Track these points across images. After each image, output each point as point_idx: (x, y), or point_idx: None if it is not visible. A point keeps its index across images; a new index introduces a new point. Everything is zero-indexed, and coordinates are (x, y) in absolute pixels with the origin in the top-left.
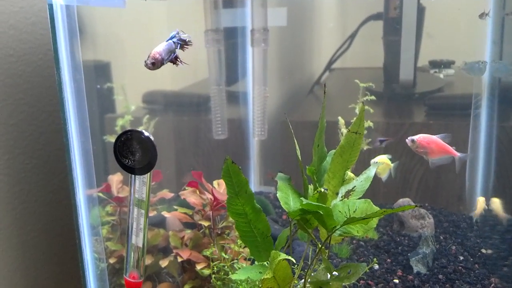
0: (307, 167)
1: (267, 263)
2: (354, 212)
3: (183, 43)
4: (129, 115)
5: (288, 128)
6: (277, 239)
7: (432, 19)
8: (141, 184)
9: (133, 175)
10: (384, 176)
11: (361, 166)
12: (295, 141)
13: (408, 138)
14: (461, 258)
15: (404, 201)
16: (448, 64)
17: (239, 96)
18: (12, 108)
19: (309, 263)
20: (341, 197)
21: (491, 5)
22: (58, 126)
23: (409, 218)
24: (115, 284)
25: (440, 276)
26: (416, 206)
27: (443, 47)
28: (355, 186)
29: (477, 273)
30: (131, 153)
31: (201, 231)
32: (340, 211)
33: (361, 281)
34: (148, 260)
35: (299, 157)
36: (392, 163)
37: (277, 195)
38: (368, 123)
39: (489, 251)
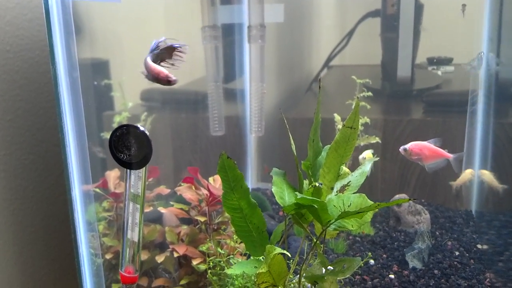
0: (302, 162)
1: (262, 258)
2: (348, 206)
3: (171, 51)
4: (126, 112)
5: (284, 123)
6: (273, 233)
7: (430, 16)
8: (136, 179)
9: (128, 170)
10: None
11: (358, 162)
12: (290, 135)
13: (401, 147)
14: (457, 253)
15: (400, 196)
16: (446, 61)
17: (236, 93)
18: (9, 104)
19: (305, 258)
20: (336, 192)
21: (487, 2)
22: (55, 122)
23: (405, 214)
24: (111, 279)
25: (436, 271)
26: (410, 199)
27: (441, 44)
28: (350, 181)
29: (472, 268)
30: (126, 147)
31: (197, 226)
32: (335, 206)
33: (357, 276)
34: (145, 256)
35: (294, 152)
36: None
37: (272, 189)
38: (365, 119)
39: (485, 247)
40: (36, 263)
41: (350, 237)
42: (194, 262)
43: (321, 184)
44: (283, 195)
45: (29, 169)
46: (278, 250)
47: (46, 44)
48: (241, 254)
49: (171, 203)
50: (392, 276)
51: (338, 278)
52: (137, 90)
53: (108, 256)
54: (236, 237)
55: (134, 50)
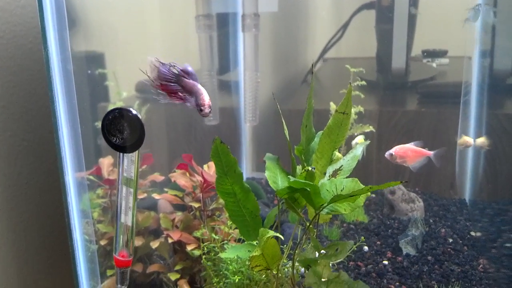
0: (295, 146)
1: (256, 242)
2: (341, 190)
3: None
4: (120, 101)
5: (277, 108)
6: (266, 218)
7: (424, 8)
8: (129, 163)
9: (121, 154)
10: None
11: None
12: (283, 121)
13: (386, 153)
14: (451, 240)
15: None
16: (441, 53)
17: (231, 85)
18: (2, 90)
19: (298, 242)
20: (329, 176)
21: None
22: (49, 110)
23: (399, 202)
24: (106, 266)
25: (429, 258)
26: (401, 182)
27: (435, 37)
28: (342, 165)
29: (466, 255)
30: (119, 131)
31: (191, 213)
32: (327, 190)
33: (351, 262)
34: (139, 242)
35: (287, 136)
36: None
37: (266, 174)
38: (359, 108)
39: (478, 234)
40: (30, 250)
41: (344, 225)
42: (189, 248)
43: (314, 169)
44: (276, 179)
45: (23, 156)
46: (271, 233)
47: (39, 31)
48: (235, 240)
49: (166, 190)
50: (385, 262)
51: (331, 262)
52: (131, 82)
53: (102, 243)
54: (230, 222)
55: (128, 41)
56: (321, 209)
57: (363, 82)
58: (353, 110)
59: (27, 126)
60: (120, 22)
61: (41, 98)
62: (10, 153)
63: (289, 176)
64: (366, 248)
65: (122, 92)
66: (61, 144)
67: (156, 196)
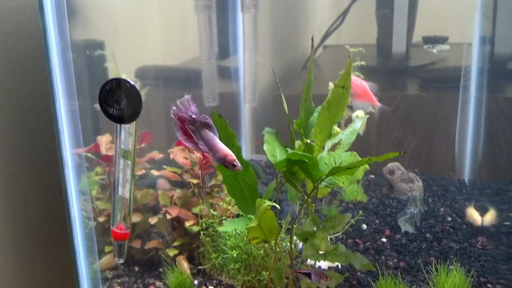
0: (294, 120)
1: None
2: (340, 164)
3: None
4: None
5: (276, 81)
6: (265, 191)
7: None
8: (127, 134)
9: (118, 126)
10: (361, 130)
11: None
12: (282, 95)
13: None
14: (449, 219)
15: (393, 165)
16: (442, 40)
17: (230, 70)
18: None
19: (296, 216)
20: (328, 150)
21: None
22: (47, 87)
23: (398, 181)
24: (104, 243)
25: (428, 235)
26: (400, 153)
27: (436, 24)
28: (341, 139)
29: (464, 233)
30: (116, 102)
31: (190, 190)
32: (326, 163)
33: (349, 240)
34: (137, 218)
35: (286, 110)
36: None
37: (264, 147)
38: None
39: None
40: (28, 227)
41: (343, 204)
42: (187, 224)
43: (313, 142)
44: (275, 152)
45: (20, 133)
46: (268, 203)
47: (37, 7)
48: (233, 216)
49: (164, 167)
50: (384, 239)
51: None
52: (131, 68)
53: (101, 219)
54: (229, 198)
55: (125, 23)
56: (319, 182)
57: (363, 62)
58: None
59: (24, 103)
60: (117, 5)
61: (39, 75)
62: (8, 130)
63: (288, 149)
64: (364, 226)
65: (121, 74)
66: (60, 124)
67: (154, 172)
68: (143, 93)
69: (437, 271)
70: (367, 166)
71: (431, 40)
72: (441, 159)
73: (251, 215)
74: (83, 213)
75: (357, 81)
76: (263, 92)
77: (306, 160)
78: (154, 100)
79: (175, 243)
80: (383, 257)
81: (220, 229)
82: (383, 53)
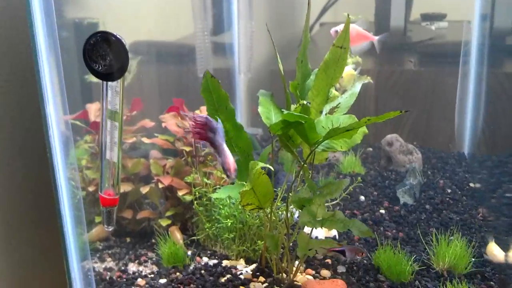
0: (290, 82)
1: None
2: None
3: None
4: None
5: (271, 40)
6: (260, 156)
7: None
8: (113, 94)
9: (104, 84)
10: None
11: None
12: (277, 55)
13: (332, 30)
14: (449, 190)
15: (392, 136)
16: (440, 17)
17: (225, 46)
18: None
19: (292, 182)
20: (325, 114)
21: None
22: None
23: (397, 153)
24: (94, 213)
25: (427, 206)
26: (401, 112)
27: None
28: (339, 103)
29: (464, 204)
30: (101, 57)
31: (183, 159)
32: (323, 127)
33: (347, 211)
34: (128, 188)
35: (282, 71)
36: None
37: (259, 110)
38: (356, 58)
39: (478, 185)
40: (15, 197)
41: (341, 176)
42: (180, 193)
43: (309, 103)
44: (270, 115)
45: (5, 100)
46: (261, 164)
47: None
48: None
49: (156, 135)
50: (382, 211)
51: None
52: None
53: (91, 189)
54: None
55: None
56: (316, 146)
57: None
58: (350, 60)
59: (7, 67)
60: None
61: (24, 40)
62: None
63: (283, 110)
64: (362, 197)
65: None
66: (44, 91)
67: (145, 140)
68: (135, 63)
69: (437, 242)
70: (366, 130)
71: (429, 17)
72: (440, 132)
73: (245, 182)
74: (71, 182)
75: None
76: (259, 67)
77: (303, 122)
78: (147, 67)
79: (168, 213)
80: (381, 228)
81: (214, 195)
82: (381, 28)
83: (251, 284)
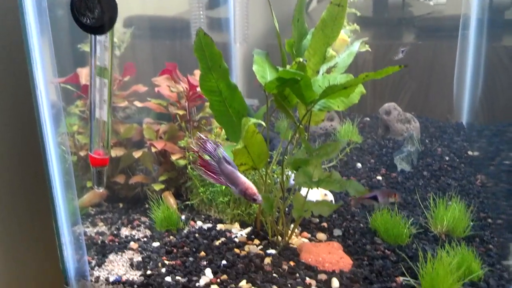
0: (286, 40)
1: None
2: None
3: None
4: None
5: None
6: (254, 116)
7: None
8: (102, 49)
9: (93, 40)
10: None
11: None
12: (273, 13)
13: None
14: (447, 158)
15: (389, 105)
16: None
17: (221, 21)
18: None
19: (287, 144)
20: (322, 74)
21: None
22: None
23: (394, 122)
24: (86, 178)
25: (425, 173)
26: (401, 67)
27: None
28: (337, 63)
29: (463, 171)
30: (89, 9)
31: (176, 123)
32: (320, 86)
33: (344, 177)
34: (121, 152)
35: (277, 28)
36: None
37: (253, 68)
38: (354, 26)
39: (476, 153)
40: (4, 163)
41: None
42: (173, 158)
43: (305, 61)
44: (265, 73)
45: None
46: (253, 120)
47: None
48: None
49: (148, 98)
50: (379, 177)
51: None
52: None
53: (82, 154)
54: (218, 131)
55: None
56: (312, 105)
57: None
58: (348, 28)
59: None
60: None
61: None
62: None
63: (278, 67)
64: (359, 165)
65: None
66: (32, 55)
67: (137, 103)
68: (128, 34)
69: (435, 206)
70: (363, 90)
71: None
72: (438, 104)
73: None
74: (61, 147)
75: None
76: (256, 42)
77: (299, 79)
78: (140, 33)
79: (161, 178)
80: None
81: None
82: (379, 3)
83: (246, 247)
